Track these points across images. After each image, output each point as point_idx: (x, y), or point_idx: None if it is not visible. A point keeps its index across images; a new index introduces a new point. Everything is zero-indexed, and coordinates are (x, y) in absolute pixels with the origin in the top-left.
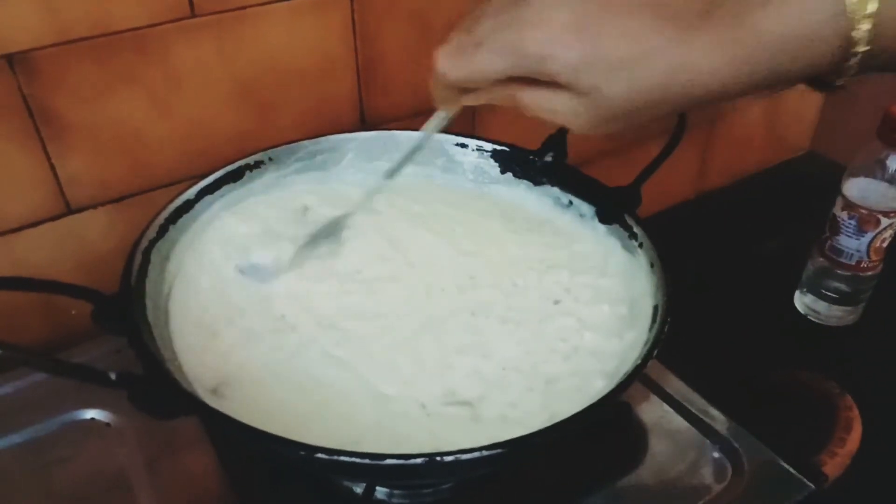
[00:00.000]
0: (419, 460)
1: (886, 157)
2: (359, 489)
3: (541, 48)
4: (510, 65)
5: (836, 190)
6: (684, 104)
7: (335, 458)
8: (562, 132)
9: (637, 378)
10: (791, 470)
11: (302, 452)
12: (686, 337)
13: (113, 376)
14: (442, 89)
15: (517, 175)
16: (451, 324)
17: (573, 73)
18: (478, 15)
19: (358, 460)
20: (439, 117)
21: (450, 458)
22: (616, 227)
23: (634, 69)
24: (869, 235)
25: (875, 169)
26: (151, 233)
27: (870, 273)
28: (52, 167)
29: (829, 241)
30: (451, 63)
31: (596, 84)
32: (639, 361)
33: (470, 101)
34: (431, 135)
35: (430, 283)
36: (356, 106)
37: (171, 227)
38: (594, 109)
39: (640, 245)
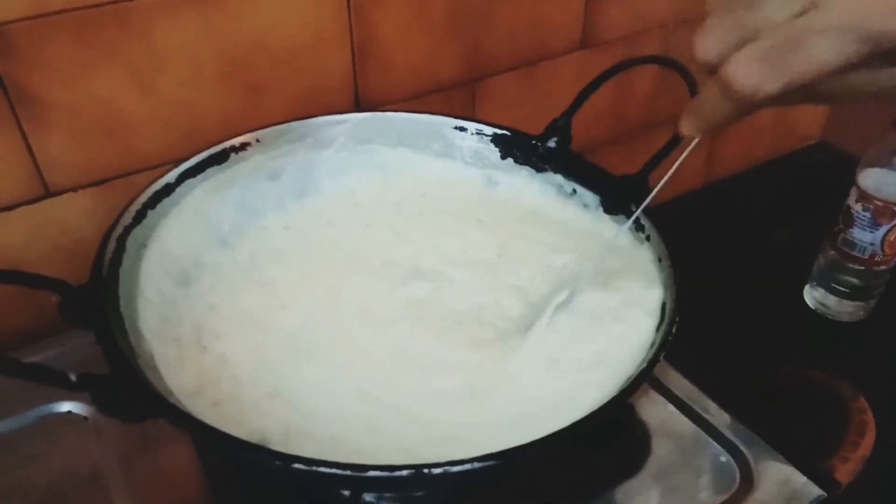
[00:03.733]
0: (404, 472)
1: None
2: (346, 491)
3: None
4: (854, 50)
5: (848, 181)
6: None
7: (314, 468)
8: (567, 115)
9: (643, 383)
10: (802, 476)
11: (277, 462)
12: (690, 332)
13: (73, 378)
14: (721, 108)
15: (518, 161)
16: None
17: None
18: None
19: (338, 472)
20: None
21: (438, 471)
22: (622, 217)
23: None
24: (884, 228)
25: (892, 160)
26: (127, 218)
27: (883, 267)
28: (30, 148)
29: (842, 234)
30: (762, 72)
31: None
32: (644, 365)
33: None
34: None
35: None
36: (351, 88)
37: (150, 213)
38: None
39: (648, 238)
